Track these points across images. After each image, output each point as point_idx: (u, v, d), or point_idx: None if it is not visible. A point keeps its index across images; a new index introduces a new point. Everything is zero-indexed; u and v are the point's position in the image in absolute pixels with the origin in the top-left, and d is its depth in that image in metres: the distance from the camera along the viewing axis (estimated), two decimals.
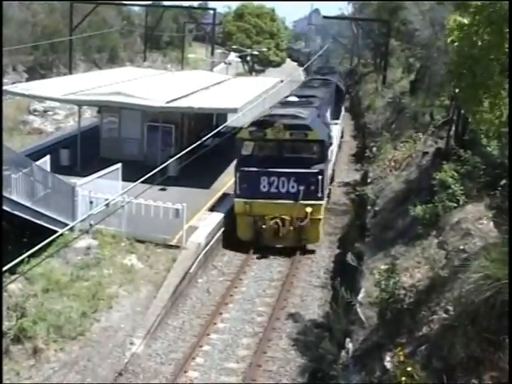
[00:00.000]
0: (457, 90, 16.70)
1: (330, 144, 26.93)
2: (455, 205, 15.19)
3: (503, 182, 14.39)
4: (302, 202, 22.98)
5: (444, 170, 16.42)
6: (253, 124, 23.90)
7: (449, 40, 10.96)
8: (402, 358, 9.80)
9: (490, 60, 10.60)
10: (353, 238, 23.12)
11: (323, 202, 23.93)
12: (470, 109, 11.57)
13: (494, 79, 10.79)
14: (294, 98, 29.87)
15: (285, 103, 28.78)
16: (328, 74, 46.62)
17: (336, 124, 34.78)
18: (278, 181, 23.13)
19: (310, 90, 35.25)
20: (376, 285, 13.00)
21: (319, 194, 23.39)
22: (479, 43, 10.43)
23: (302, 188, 23.01)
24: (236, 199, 23.66)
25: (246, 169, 23.37)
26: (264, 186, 23.21)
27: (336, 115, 36.75)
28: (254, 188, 23.19)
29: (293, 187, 23.11)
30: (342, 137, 41.14)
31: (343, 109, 43.44)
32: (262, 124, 23.56)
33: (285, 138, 23.31)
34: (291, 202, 23.06)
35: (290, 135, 23.26)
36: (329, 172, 26.45)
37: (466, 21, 10.57)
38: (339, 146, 37.48)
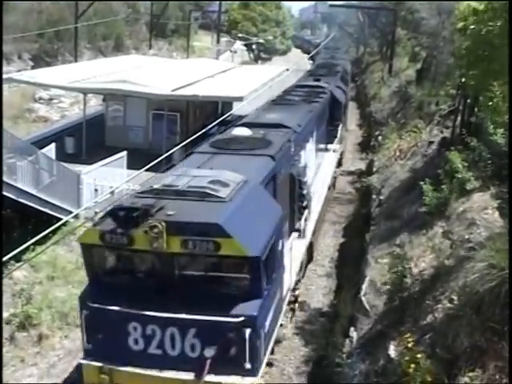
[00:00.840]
0: (463, 79, 16.71)
1: (303, 209, 17.41)
2: (469, 187, 15.05)
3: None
4: (210, 379, 10.57)
5: (455, 156, 16.37)
6: (108, 215, 10.90)
7: (460, 25, 10.88)
8: (410, 345, 9.78)
9: (506, 46, 10.52)
10: (358, 226, 23.08)
11: (255, 380, 10.91)
12: (483, 95, 11.48)
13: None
14: (241, 132, 16.66)
15: (212, 147, 15.41)
16: (324, 77, 34.02)
17: (328, 151, 26.74)
18: (162, 333, 10.80)
19: (282, 109, 21.44)
20: (380, 273, 13.02)
21: (247, 365, 10.69)
22: (496, 29, 10.34)
23: (210, 351, 10.56)
24: (83, 361, 11.39)
25: (100, 306, 10.85)
26: (136, 342, 10.91)
27: (329, 139, 27.42)
28: (117, 343, 10.98)
29: (192, 348, 10.77)
30: (340, 164, 31.44)
31: (341, 128, 30.06)
32: (123, 220, 10.60)
33: (172, 251, 10.53)
34: (188, 377, 10.66)
35: (182, 246, 10.41)
36: (278, 302, 12.87)
37: (481, 6, 10.49)
38: (333, 185, 27.72)
